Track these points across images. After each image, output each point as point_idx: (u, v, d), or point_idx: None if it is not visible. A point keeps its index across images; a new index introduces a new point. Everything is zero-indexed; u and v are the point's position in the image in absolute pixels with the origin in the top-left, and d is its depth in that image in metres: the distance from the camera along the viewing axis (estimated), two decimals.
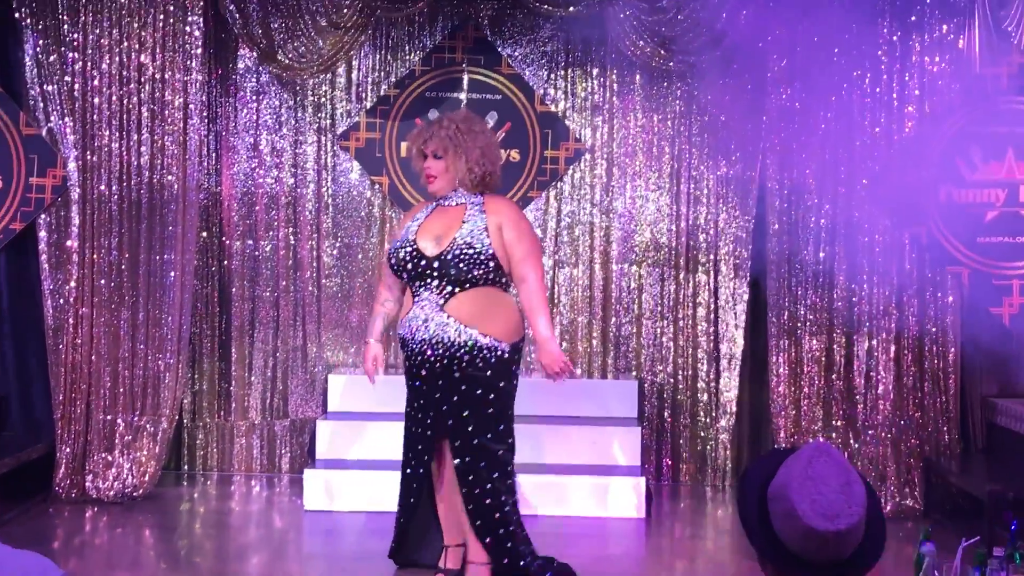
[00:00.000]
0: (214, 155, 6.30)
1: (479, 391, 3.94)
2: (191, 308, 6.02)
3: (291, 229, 6.39)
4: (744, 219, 6.29)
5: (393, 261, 3.99)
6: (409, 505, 4.12)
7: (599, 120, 6.40)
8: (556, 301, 6.45)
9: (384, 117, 6.34)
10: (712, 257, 6.37)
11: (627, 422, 6.10)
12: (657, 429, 6.40)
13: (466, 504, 4.01)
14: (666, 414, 6.41)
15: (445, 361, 3.97)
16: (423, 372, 3.98)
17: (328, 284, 6.43)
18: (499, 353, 3.92)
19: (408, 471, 4.11)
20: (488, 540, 3.98)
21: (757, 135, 6.13)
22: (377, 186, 6.44)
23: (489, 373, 3.96)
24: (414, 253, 3.96)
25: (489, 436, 3.97)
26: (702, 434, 6.39)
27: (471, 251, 3.87)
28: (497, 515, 4.01)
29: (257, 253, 6.39)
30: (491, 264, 3.86)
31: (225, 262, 6.34)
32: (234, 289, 6.34)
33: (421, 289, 3.90)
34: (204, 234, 6.32)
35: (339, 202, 6.42)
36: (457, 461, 4.00)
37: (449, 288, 3.87)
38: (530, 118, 6.39)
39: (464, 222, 3.93)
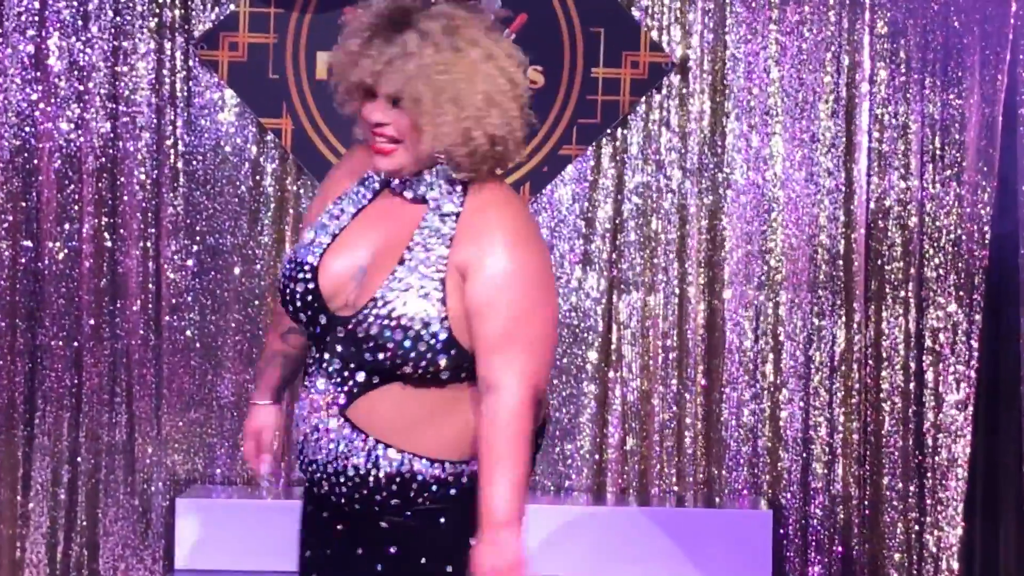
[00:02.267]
0: None
1: (424, 560, 3.56)
2: None
3: (106, 220, 6.16)
4: (976, 199, 6.15)
5: (285, 292, 3.56)
6: None
7: (694, 11, 6.21)
8: (615, 355, 6.25)
9: (284, 4, 6.16)
10: (914, 272, 6.21)
11: None
12: None
13: None
14: (826, 573, 6.25)
15: (357, 507, 3.56)
16: (309, 509, 3.70)
17: (177, 323, 6.20)
18: (440, 487, 3.55)
19: None
20: None
21: (998, 41, 6.08)
22: (271, 136, 6.21)
23: (427, 542, 3.58)
24: (311, 295, 3.51)
25: None
26: None
27: (396, 336, 3.42)
28: None
29: (39, 265, 6.16)
30: (445, 358, 3.43)
31: None
32: None
33: (315, 369, 3.56)
34: None
35: (198, 167, 6.21)
36: None
37: (362, 377, 3.50)
38: (565, 6, 6.16)
39: (408, 250, 3.45)
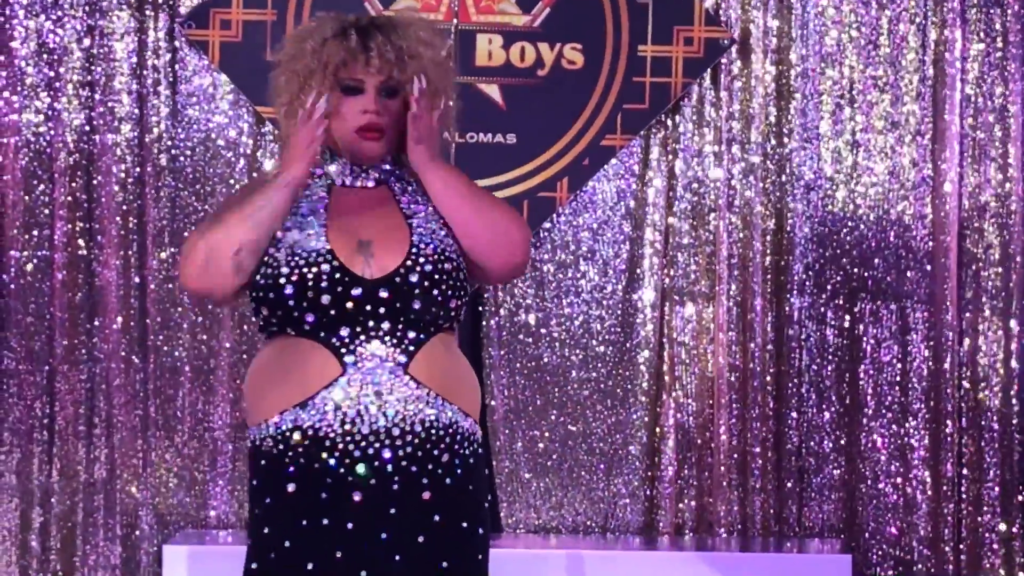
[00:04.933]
0: None
1: (465, 524, 4.03)
2: None
3: (81, 225, 6.08)
4: None
5: (300, 281, 3.94)
6: None
7: None
8: (668, 376, 6.11)
9: None
10: (1016, 279, 6.03)
11: None
12: None
13: None
14: None
15: (414, 468, 3.98)
16: (356, 499, 3.93)
17: (164, 344, 6.08)
18: (476, 445, 4.07)
19: None
20: None
21: None
22: (269, 126, 6.13)
23: (472, 485, 4.04)
24: (339, 272, 3.96)
25: None
26: None
27: (447, 266, 4.08)
28: None
29: (4, 278, 6.07)
30: (466, 288, 4.15)
31: None
32: None
33: (355, 342, 3.97)
34: None
35: (187, 163, 6.13)
36: None
37: (413, 335, 3.99)
38: None
39: (410, 214, 4.12)
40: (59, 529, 5.97)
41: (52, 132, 5.95)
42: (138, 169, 6.01)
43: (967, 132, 6.01)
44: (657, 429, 6.12)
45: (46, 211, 5.97)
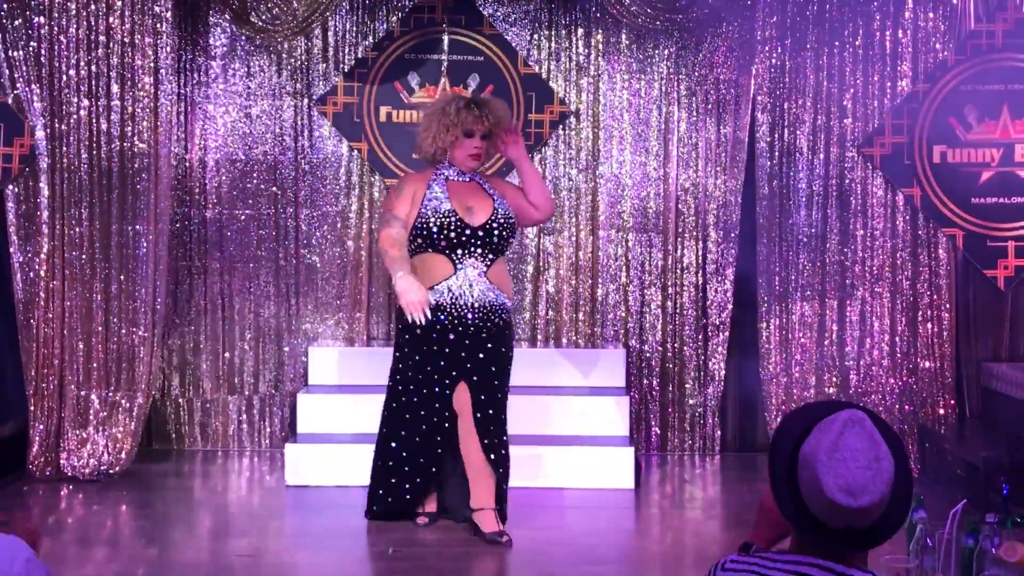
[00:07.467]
0: (186, 121, 7.62)
1: (504, 349, 5.60)
2: (166, 279, 7.28)
3: (267, 198, 7.79)
4: (734, 183, 7.75)
5: (442, 225, 5.43)
6: (435, 457, 5.76)
7: (584, 82, 7.81)
8: (542, 269, 7.86)
9: (362, 80, 7.66)
10: (701, 222, 7.84)
11: (615, 392, 7.43)
12: (645, 399, 7.82)
13: (486, 454, 5.63)
14: (654, 383, 7.83)
15: (480, 323, 5.60)
16: (451, 337, 5.50)
17: (306, 254, 7.80)
18: (510, 314, 5.64)
19: (425, 428, 5.65)
20: (502, 485, 5.81)
21: (747, 96, 7.63)
22: (356, 152, 7.72)
23: (508, 331, 5.61)
24: (459, 222, 5.54)
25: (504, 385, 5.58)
26: (690, 402, 7.85)
27: (511, 222, 5.58)
28: (506, 463, 5.78)
29: (233, 223, 7.76)
30: (515, 235, 5.63)
31: (200, 232, 7.74)
32: (209, 260, 7.73)
33: (462, 257, 5.46)
34: (177, 204, 7.64)
35: (316, 169, 7.74)
36: (480, 414, 5.54)
37: (491, 256, 5.54)
38: (513, 80, 7.70)
39: (492, 195, 5.60)
40: (259, 341, 7.74)
41: (253, 155, 7.71)
42: (294, 172, 7.69)
43: (680, 155, 7.72)
44: (537, 292, 7.72)
45: (250, 192, 7.69)
